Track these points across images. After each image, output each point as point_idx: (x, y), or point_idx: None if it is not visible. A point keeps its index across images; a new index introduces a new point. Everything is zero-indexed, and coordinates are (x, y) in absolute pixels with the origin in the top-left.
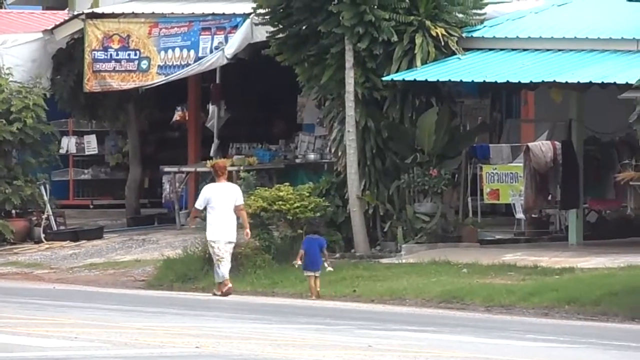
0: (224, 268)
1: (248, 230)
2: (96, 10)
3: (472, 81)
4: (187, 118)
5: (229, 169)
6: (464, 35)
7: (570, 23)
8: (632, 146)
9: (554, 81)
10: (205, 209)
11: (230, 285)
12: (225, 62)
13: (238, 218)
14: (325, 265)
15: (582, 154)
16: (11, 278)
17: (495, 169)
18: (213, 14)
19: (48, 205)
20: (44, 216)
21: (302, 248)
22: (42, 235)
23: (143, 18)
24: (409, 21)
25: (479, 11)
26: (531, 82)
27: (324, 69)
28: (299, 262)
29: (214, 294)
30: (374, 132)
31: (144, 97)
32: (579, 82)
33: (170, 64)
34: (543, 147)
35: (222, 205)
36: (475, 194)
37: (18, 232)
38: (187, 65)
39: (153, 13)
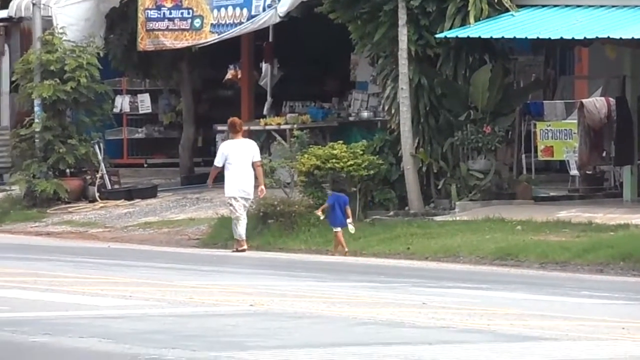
0: (240, 227)
1: (262, 187)
2: None
3: (526, 38)
4: (239, 76)
5: (283, 127)
6: None
7: None
8: None
9: (608, 37)
10: (223, 166)
11: (245, 246)
12: (278, 20)
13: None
14: (348, 222)
15: (636, 110)
16: (66, 237)
17: (549, 125)
18: None
19: (102, 164)
20: (98, 175)
21: (328, 203)
22: (97, 194)
23: None
24: None
25: None
26: (585, 38)
27: (377, 27)
28: (321, 215)
29: (233, 251)
30: (427, 90)
31: (197, 55)
32: (633, 38)
33: (223, 22)
34: (597, 103)
35: (240, 162)
36: (529, 151)
37: (72, 191)
38: (240, 23)
39: None
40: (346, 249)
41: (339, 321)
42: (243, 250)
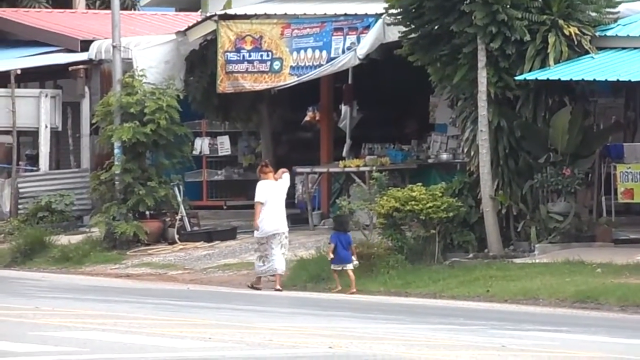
0: (262, 265)
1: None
2: (229, 11)
3: (606, 80)
4: (318, 118)
5: (362, 169)
6: (597, 34)
7: None
8: None
9: None
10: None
11: (260, 285)
12: (357, 62)
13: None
14: (353, 259)
15: None
16: (145, 279)
17: (629, 167)
18: (345, 15)
19: (182, 206)
20: (178, 217)
21: (330, 242)
22: (176, 236)
23: (275, 19)
24: (542, 20)
25: (612, 10)
26: None
27: (456, 69)
28: (332, 256)
29: (248, 286)
30: (506, 132)
31: (276, 97)
32: None
33: (303, 64)
34: None
35: (274, 201)
36: (609, 193)
37: (152, 233)
38: (320, 65)
39: (285, 14)
40: (354, 290)
41: None
42: (258, 289)
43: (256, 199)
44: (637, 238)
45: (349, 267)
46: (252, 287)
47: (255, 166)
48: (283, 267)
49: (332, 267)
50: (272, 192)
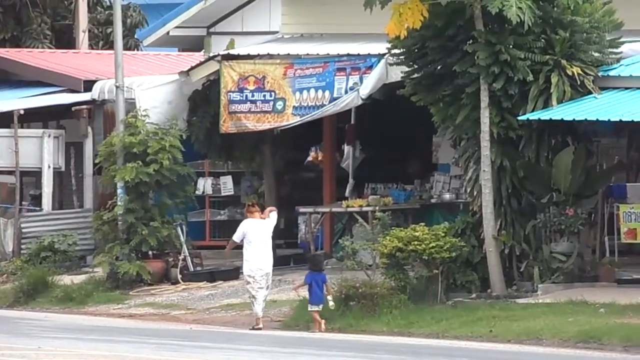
0: (257, 306)
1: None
2: (232, 51)
3: (609, 120)
4: (321, 158)
5: (365, 209)
6: (599, 74)
7: None
8: None
9: None
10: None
11: (261, 325)
12: (360, 102)
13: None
14: (329, 299)
15: None
16: (148, 319)
17: (632, 207)
18: (348, 55)
19: (185, 246)
20: (181, 257)
21: (305, 282)
22: (179, 276)
23: (278, 59)
24: (545, 60)
25: (615, 50)
26: None
27: (459, 109)
28: (300, 292)
29: (250, 329)
30: (509, 172)
31: (279, 137)
32: None
33: (305, 104)
34: None
35: (259, 240)
36: (612, 233)
37: (155, 273)
38: (322, 105)
39: (288, 54)
40: (323, 327)
41: None
42: (259, 329)
43: (234, 236)
44: None
45: (319, 308)
46: (253, 328)
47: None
48: (260, 311)
49: (309, 308)
50: (256, 231)
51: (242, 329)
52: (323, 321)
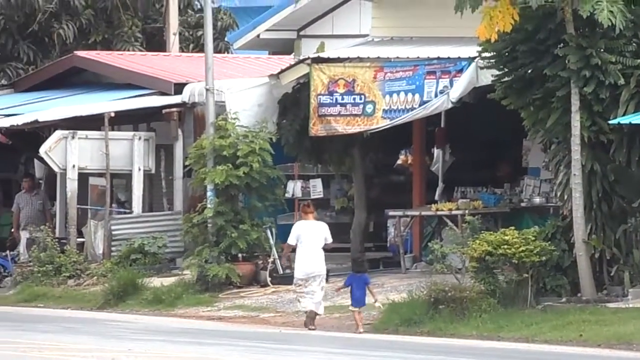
0: (307, 302)
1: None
2: (322, 55)
3: None
4: (410, 162)
5: (454, 212)
6: None
7: None
8: None
9: None
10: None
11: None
12: (450, 106)
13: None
14: (373, 300)
15: None
16: (238, 322)
17: None
18: (438, 58)
19: (274, 249)
20: (270, 260)
21: (345, 285)
22: (268, 279)
23: (368, 62)
24: (636, 64)
25: None
26: None
27: (549, 113)
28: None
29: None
30: (600, 176)
31: (369, 141)
32: None
33: (395, 107)
34: None
35: (310, 242)
36: None
37: (244, 276)
38: (412, 109)
39: (378, 57)
40: (361, 330)
41: None
42: (313, 329)
43: (288, 239)
44: None
45: (362, 308)
46: (308, 328)
47: (348, 209)
48: (321, 309)
49: (350, 308)
50: (308, 232)
51: (331, 332)
52: (359, 324)
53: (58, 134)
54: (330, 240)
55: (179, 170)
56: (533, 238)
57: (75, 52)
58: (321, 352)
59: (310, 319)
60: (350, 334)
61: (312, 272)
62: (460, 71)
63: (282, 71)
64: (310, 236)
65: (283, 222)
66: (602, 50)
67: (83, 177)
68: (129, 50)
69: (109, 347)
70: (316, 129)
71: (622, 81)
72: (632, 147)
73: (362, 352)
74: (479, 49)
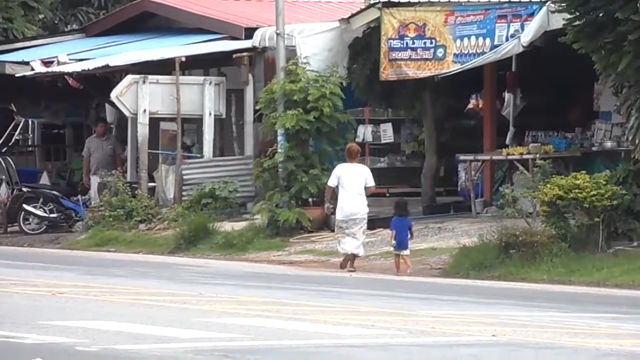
0: (346, 245)
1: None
2: None
3: None
4: (481, 106)
5: (525, 157)
6: None
7: None
8: None
9: None
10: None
11: (352, 268)
12: (521, 50)
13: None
14: (410, 238)
15: None
16: (308, 266)
17: None
18: (509, 2)
19: (327, 194)
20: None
21: (391, 228)
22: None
23: (439, 6)
24: None
25: None
26: None
27: (621, 56)
28: (393, 242)
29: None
30: None
31: (440, 85)
32: None
33: (466, 52)
34: None
35: (351, 185)
36: None
37: (315, 220)
38: (483, 53)
39: (449, 1)
40: (400, 272)
41: (582, 352)
42: (352, 271)
43: (328, 181)
44: None
45: (405, 252)
46: (344, 270)
47: (418, 153)
48: (361, 251)
49: (394, 251)
50: (348, 175)
51: (401, 277)
52: (409, 266)
53: (129, 78)
54: (371, 183)
55: (249, 115)
56: (604, 182)
57: None
58: (391, 295)
59: (347, 261)
60: (421, 277)
61: (353, 214)
62: (532, 15)
63: (353, 15)
64: (350, 178)
65: None
66: None
67: (154, 122)
68: None
69: (181, 292)
70: (387, 73)
71: None
72: None
73: (432, 296)
74: None
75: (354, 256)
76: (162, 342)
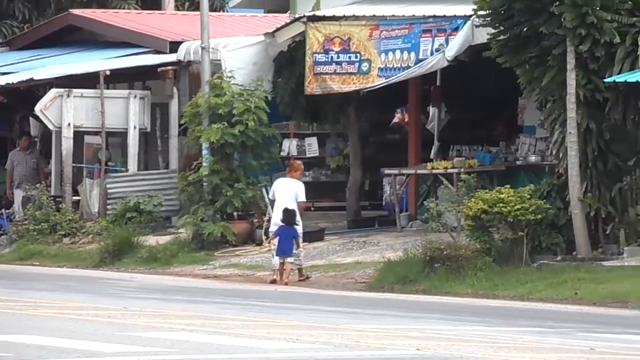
0: (276, 259)
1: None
2: (317, 13)
3: None
4: (406, 120)
5: (450, 171)
6: None
7: None
8: None
9: None
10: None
11: (275, 277)
12: (445, 64)
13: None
14: (294, 252)
15: None
16: (233, 280)
17: None
18: (434, 16)
19: (269, 207)
20: (265, 218)
21: (275, 235)
22: (264, 237)
23: (364, 20)
24: (632, 22)
25: None
26: None
27: (545, 71)
28: (272, 247)
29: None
30: (595, 134)
31: (365, 99)
32: None
33: (391, 66)
34: None
35: (282, 198)
36: None
37: (240, 234)
38: (408, 67)
39: (374, 15)
40: (286, 280)
41: None
42: (273, 282)
43: (269, 194)
44: None
45: (289, 259)
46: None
47: (343, 167)
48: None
49: (276, 259)
50: (282, 189)
51: (326, 290)
52: (289, 275)
53: (53, 92)
54: (302, 199)
55: (174, 129)
56: (528, 196)
57: (70, 10)
58: (316, 310)
59: (277, 271)
60: (346, 292)
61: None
62: (456, 29)
63: (278, 29)
64: (282, 192)
65: None
66: (597, 8)
67: (78, 136)
68: (124, 8)
69: (105, 305)
70: (311, 87)
71: (617, 39)
72: (628, 106)
73: (357, 310)
74: (475, 7)
75: (282, 269)
76: (86, 356)
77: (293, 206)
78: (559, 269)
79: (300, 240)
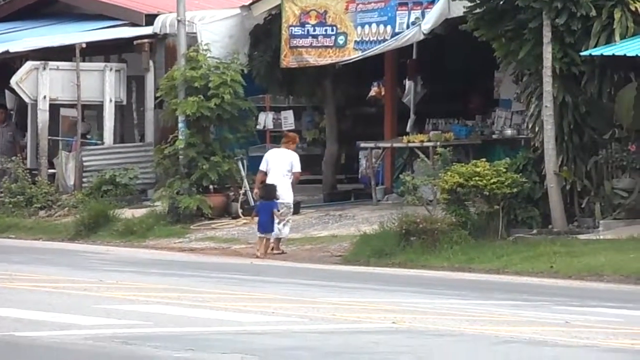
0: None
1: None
2: None
3: None
4: (382, 94)
5: (426, 144)
6: None
7: None
8: None
9: None
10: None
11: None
12: (422, 37)
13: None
14: (276, 224)
15: None
16: (209, 253)
17: None
18: None
19: (245, 181)
20: (242, 191)
21: (255, 212)
22: (240, 211)
23: None
24: None
25: None
26: None
27: (521, 44)
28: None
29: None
30: (571, 108)
31: (341, 72)
32: None
33: (367, 39)
34: None
35: (275, 169)
36: None
37: (216, 208)
38: (384, 40)
39: None
40: (259, 254)
41: (481, 339)
42: (280, 253)
43: (260, 165)
44: None
45: (271, 235)
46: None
47: (319, 141)
48: (283, 233)
49: (258, 234)
50: (275, 160)
51: (302, 263)
52: (271, 248)
53: (29, 64)
54: (297, 169)
55: (150, 102)
56: (504, 170)
57: None
58: (292, 283)
59: (263, 246)
60: (322, 265)
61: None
62: (432, 3)
63: (254, 2)
64: (276, 164)
65: (254, 154)
66: None
67: (54, 108)
68: None
69: (80, 278)
70: (287, 60)
71: (593, 13)
72: (603, 79)
73: (333, 283)
74: None
75: (277, 240)
76: (62, 329)
77: (286, 177)
78: (534, 242)
79: (286, 211)
